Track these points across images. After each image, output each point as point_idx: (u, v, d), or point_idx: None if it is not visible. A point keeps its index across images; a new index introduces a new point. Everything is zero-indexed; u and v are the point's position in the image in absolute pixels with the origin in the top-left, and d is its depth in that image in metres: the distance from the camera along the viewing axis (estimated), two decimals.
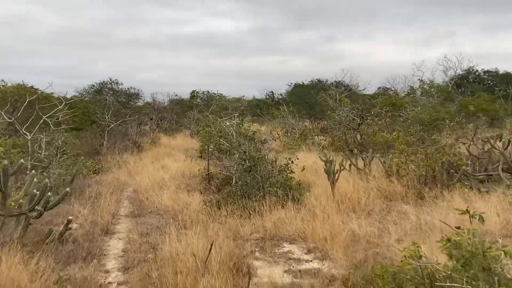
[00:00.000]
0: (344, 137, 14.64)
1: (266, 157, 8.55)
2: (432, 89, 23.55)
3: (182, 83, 74.16)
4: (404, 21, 78.81)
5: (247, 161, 8.26)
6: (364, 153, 11.23)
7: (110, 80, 28.78)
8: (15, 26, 76.89)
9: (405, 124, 12.02)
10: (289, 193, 8.20)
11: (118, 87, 29.06)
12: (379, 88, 37.37)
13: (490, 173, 9.82)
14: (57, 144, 10.46)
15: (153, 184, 10.81)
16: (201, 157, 11.31)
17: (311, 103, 19.67)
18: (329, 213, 7.27)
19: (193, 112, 32.26)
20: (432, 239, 5.13)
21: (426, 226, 6.60)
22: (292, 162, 8.92)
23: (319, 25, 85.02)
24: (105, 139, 16.06)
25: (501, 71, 37.25)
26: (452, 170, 8.98)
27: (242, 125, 10.23)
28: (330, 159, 8.42)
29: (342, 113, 15.21)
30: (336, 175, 8.45)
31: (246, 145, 8.77)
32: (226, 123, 9.80)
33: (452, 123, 10.89)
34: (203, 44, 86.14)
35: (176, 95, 36.28)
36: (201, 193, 10.14)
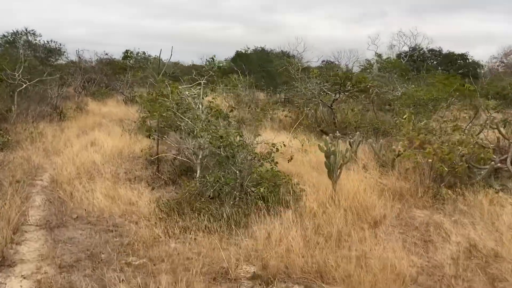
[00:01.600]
0: (315, 115, 12.63)
1: (247, 143, 6.13)
2: (390, 65, 22.31)
3: (110, 43, 68.81)
4: None
5: (222, 148, 5.81)
6: (349, 136, 9.27)
7: (26, 30, 23.91)
8: None
9: (397, 103, 10.24)
10: (278, 194, 5.96)
11: (36, 40, 24.28)
12: (323, 61, 35.99)
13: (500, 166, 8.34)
14: None
15: (79, 170, 7.96)
16: (146, 133, 8.61)
17: (272, 72, 17.16)
18: (340, 228, 5.18)
19: (127, 74, 28.41)
20: None
21: (480, 254, 4.76)
22: (277, 149, 6.62)
23: None
24: (15, 102, 12.44)
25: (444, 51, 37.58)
26: (472, 164, 7.29)
27: (206, 96, 7.66)
28: (333, 149, 6.24)
29: (311, 86, 13.11)
30: (339, 171, 6.33)
31: (220, 126, 6.29)
32: (188, 93, 7.15)
33: (449, 104, 9.22)
34: (134, 2, 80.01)
35: (107, 54, 31.78)
36: (149, 185, 7.54)
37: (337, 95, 12.11)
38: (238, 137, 5.89)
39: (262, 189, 5.61)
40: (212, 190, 5.91)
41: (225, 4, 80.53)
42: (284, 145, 6.65)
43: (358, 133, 9.05)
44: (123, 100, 23.01)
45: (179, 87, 7.25)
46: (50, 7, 69.18)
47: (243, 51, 42.67)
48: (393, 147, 8.25)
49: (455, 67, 35.51)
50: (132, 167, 8.87)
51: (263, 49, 45.13)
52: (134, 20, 73.69)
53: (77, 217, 5.74)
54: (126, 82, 27.58)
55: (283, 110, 13.99)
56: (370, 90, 11.13)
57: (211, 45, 63.85)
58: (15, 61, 15.59)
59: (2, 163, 8.28)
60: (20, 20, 62.08)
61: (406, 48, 37.04)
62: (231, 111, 7.28)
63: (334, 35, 63.33)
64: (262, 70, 16.00)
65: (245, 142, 6.08)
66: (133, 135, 11.93)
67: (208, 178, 5.95)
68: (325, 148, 6.32)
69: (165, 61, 38.26)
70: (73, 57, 29.22)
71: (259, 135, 8.33)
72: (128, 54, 33.20)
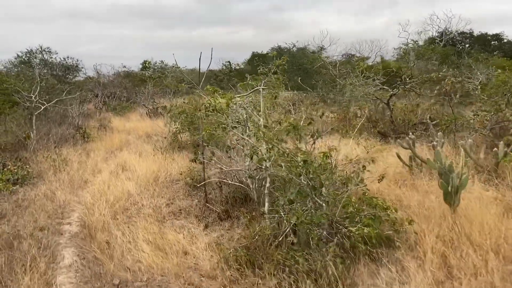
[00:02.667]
0: (367, 114, 10.97)
1: (333, 166, 4.58)
2: (430, 52, 20.39)
3: (124, 56, 68.89)
4: None
5: (304, 176, 4.28)
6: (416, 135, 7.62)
7: (41, 48, 22.95)
8: None
9: (482, 93, 8.51)
10: (379, 230, 4.40)
11: (51, 57, 23.28)
12: (343, 55, 34.16)
13: None
14: None
15: (114, 207, 6.57)
16: (193, 156, 7.22)
17: (308, 70, 15.29)
18: None
19: (147, 86, 27.26)
20: None
21: None
22: (364, 167, 5.06)
23: None
24: (34, 127, 11.22)
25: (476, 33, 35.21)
26: None
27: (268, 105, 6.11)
28: (448, 164, 4.63)
29: (358, 81, 11.44)
30: (459, 193, 4.70)
31: (288, 143, 4.79)
32: (242, 102, 5.61)
33: None
34: (146, 15, 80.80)
35: (124, 66, 30.72)
36: (199, 220, 6.08)
37: (395, 90, 10.42)
38: (324, 159, 4.34)
39: (367, 229, 4.05)
40: (294, 234, 4.39)
41: (234, 8, 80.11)
42: (364, 167, 5.05)
43: (440, 133, 7.38)
44: (146, 113, 21.74)
45: (235, 96, 5.74)
46: (64, 27, 69.67)
47: (259, 52, 41.46)
48: (494, 149, 6.57)
49: (489, 49, 33.21)
50: (174, 195, 7.45)
51: (280, 48, 43.79)
52: (147, 32, 73.78)
53: (119, 283, 4.30)
54: (147, 94, 26.46)
55: (326, 111, 12.37)
56: (446, 79, 9.40)
57: (223, 49, 62.97)
58: (31, 81, 14.48)
59: (23, 202, 6.98)
60: (36, 42, 62.43)
61: (432, 33, 34.80)
62: (309, 123, 5.72)
63: (345, 29, 61.46)
64: (299, 68, 14.35)
65: (334, 164, 4.52)
66: (166, 154, 10.58)
67: (286, 217, 4.42)
68: (438, 163, 4.71)
69: (182, 69, 37.38)
70: (91, 73, 28.31)
71: (335, 147, 6.77)
72: (146, 65, 32.07)
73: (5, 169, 8.76)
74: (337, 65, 14.46)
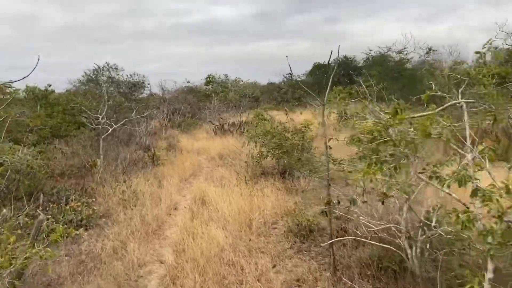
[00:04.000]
0: None
1: None
2: None
3: (182, 72, 70.70)
4: None
5: None
6: None
7: (108, 65, 22.43)
8: (24, 25, 73.98)
9: None
10: None
11: (118, 74, 22.66)
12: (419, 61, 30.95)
13: None
14: None
15: (205, 273, 4.69)
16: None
17: (412, 77, 12.57)
18: None
19: (212, 101, 25.97)
20: None
21: None
22: None
23: (321, 7, 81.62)
24: (101, 152, 9.84)
25: None
26: None
27: None
28: None
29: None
30: None
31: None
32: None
33: None
34: (205, 32, 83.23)
35: (188, 82, 29.76)
36: None
37: None
38: None
39: None
40: None
41: (288, 22, 79.58)
42: None
43: None
44: (213, 130, 20.20)
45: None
46: (133, 48, 72.83)
47: (321, 63, 39.31)
48: None
49: None
50: (278, 250, 5.47)
51: (346, 58, 41.39)
52: (205, 48, 75.35)
53: None
54: (213, 109, 25.14)
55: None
56: None
57: (276, 62, 62.35)
58: (98, 99, 13.42)
59: (84, 262, 5.32)
60: (106, 61, 65.58)
61: None
62: None
63: (405, 36, 57.93)
64: (400, 76, 11.93)
65: None
66: (251, 183, 8.71)
67: None
68: None
69: (242, 82, 36.13)
70: (155, 90, 27.61)
71: None
72: (210, 79, 31.04)
73: (68, 206, 7.30)
74: (444, 71, 11.88)
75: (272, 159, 9.75)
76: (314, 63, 40.98)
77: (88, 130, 12.02)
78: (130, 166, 10.89)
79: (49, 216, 6.64)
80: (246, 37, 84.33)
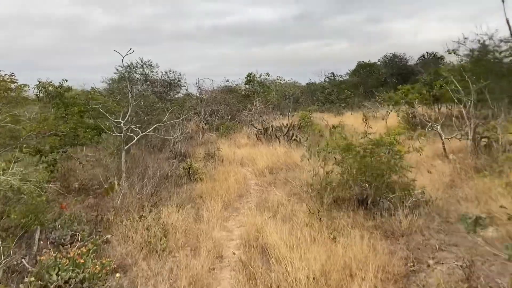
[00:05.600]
0: None
1: None
2: None
3: (220, 73, 70.12)
4: None
5: None
6: None
7: (141, 61, 20.41)
8: (73, 27, 75.21)
9: None
10: None
11: (152, 72, 20.61)
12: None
13: None
14: None
15: None
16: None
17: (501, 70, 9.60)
18: None
19: (254, 101, 23.49)
20: None
21: None
22: None
23: (362, 7, 78.76)
24: (122, 167, 7.57)
25: None
26: None
27: None
28: None
29: None
30: None
31: None
32: None
33: None
34: (243, 34, 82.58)
35: (227, 81, 27.47)
36: None
37: None
38: None
39: None
40: None
41: (328, 23, 76.76)
42: None
43: None
44: (256, 135, 17.68)
45: None
46: (173, 49, 72.56)
47: (367, 62, 36.30)
48: None
49: None
50: None
51: (394, 56, 38.15)
52: (243, 49, 74.09)
53: None
54: (254, 111, 22.72)
55: None
56: None
57: (314, 63, 60.06)
58: (127, 100, 11.27)
59: None
60: None
61: None
62: None
63: (448, 37, 54.09)
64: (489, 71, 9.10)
65: None
66: (326, 220, 6.18)
67: None
68: None
69: (283, 82, 33.64)
70: (191, 89, 25.47)
71: None
72: (251, 78, 28.61)
73: (70, 248, 5.06)
74: None
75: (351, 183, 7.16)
76: (358, 62, 38.17)
77: (113, 137, 9.88)
78: (161, 182, 8.63)
79: (35, 274, 4.40)
80: (284, 38, 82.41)
